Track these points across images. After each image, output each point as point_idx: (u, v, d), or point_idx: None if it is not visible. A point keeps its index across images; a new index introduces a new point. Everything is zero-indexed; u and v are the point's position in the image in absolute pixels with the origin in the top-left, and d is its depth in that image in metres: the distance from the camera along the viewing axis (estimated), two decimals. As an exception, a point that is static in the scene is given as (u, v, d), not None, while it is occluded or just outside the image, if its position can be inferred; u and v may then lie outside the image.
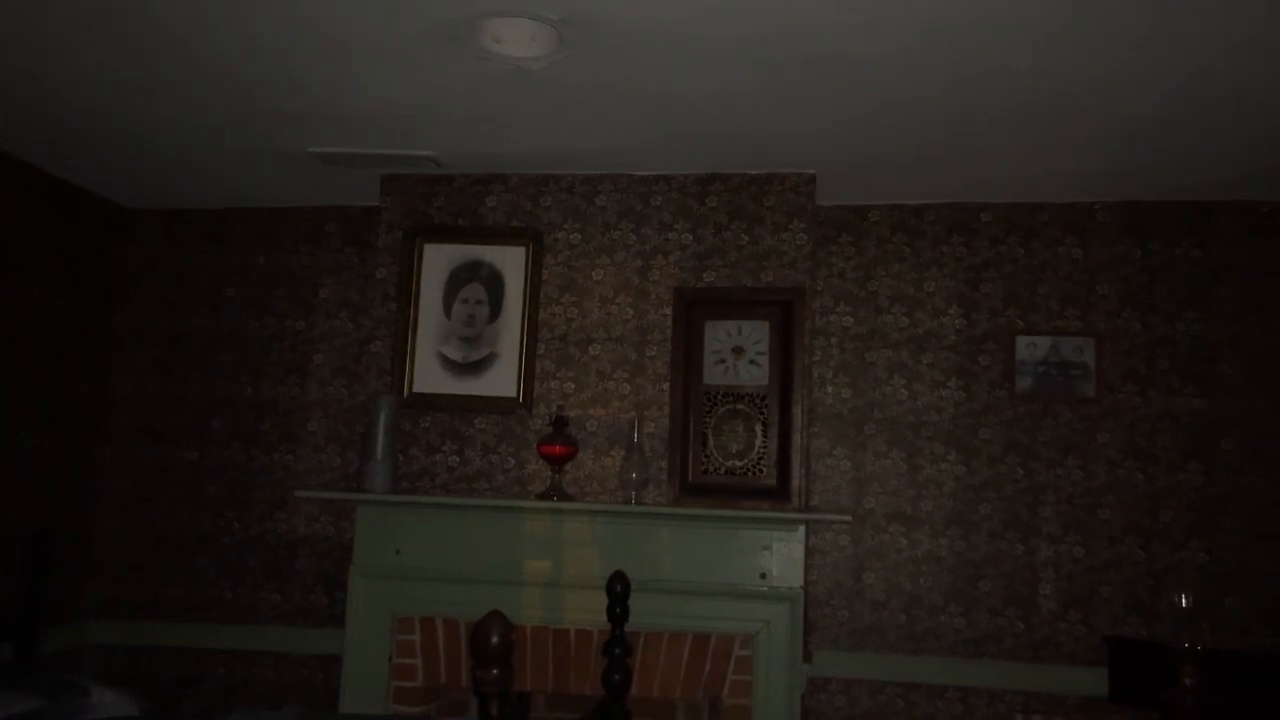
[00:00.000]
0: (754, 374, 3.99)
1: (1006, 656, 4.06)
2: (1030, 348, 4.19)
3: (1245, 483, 4.01)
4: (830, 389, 4.30)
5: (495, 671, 1.85)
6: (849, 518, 4.05)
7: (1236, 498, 4.01)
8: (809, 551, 3.96)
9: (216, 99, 3.53)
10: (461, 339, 4.12)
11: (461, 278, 4.15)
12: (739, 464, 3.94)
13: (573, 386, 4.08)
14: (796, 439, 3.90)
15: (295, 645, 4.44)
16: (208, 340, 4.72)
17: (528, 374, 4.06)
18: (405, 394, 4.07)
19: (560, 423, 3.87)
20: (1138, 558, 4.03)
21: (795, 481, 3.87)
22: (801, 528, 3.77)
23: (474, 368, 4.10)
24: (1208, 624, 3.88)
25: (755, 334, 4.01)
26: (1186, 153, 3.70)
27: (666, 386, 4.02)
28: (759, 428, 3.95)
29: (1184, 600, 3.59)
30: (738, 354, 4.02)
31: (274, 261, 4.72)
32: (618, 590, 3.08)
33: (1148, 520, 4.04)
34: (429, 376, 4.10)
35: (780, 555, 3.75)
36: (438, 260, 4.16)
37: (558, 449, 3.84)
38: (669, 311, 4.06)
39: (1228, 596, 3.95)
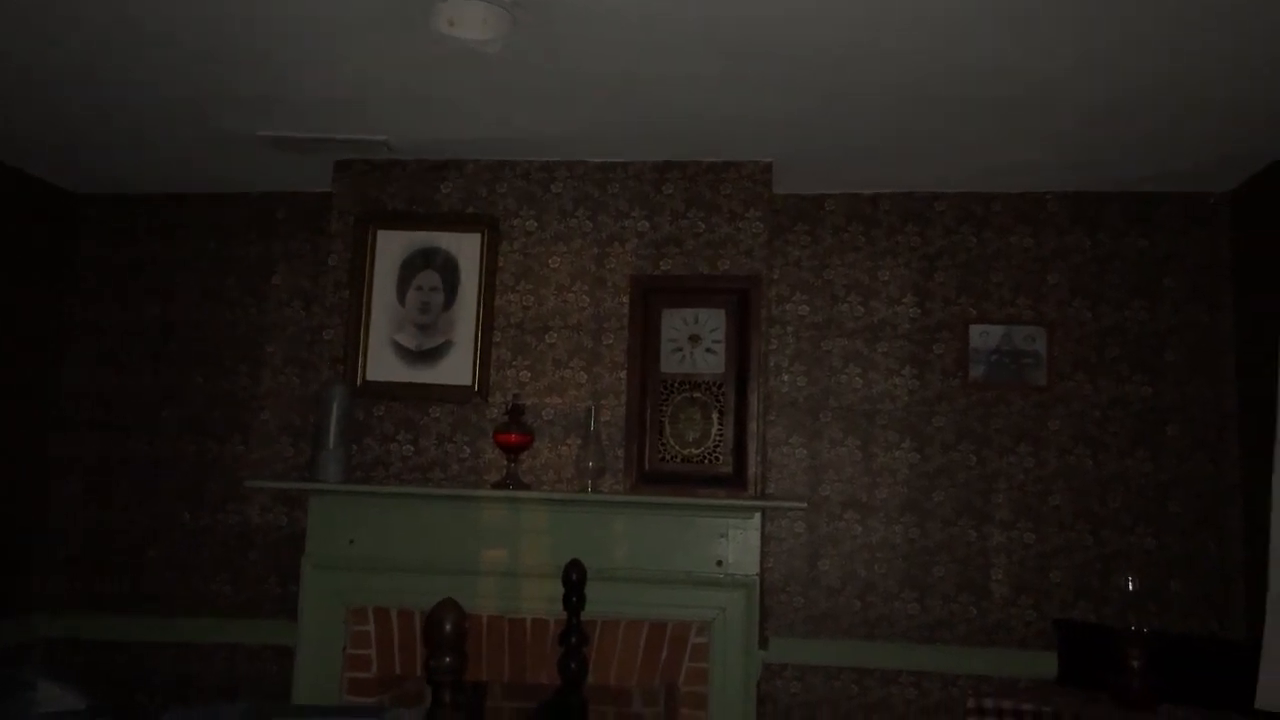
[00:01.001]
0: (711, 362, 3.99)
1: (959, 641, 4.11)
2: (983, 336, 4.23)
3: (1189, 469, 4.09)
4: (786, 377, 4.32)
5: (448, 659, 1.84)
6: (804, 505, 4.09)
7: (1181, 483, 4.08)
8: (765, 539, 3.98)
9: (166, 81, 3.45)
10: (416, 327, 4.08)
11: (416, 265, 4.11)
12: (695, 452, 3.95)
13: (529, 375, 4.06)
14: (753, 427, 3.91)
15: (248, 637, 4.38)
16: (158, 329, 4.63)
17: (483, 362, 4.03)
18: (359, 383, 4.03)
19: (516, 411, 3.85)
20: (1087, 543, 4.10)
21: (751, 469, 3.89)
22: (757, 515, 3.78)
23: (429, 356, 4.06)
24: (1154, 607, 3.96)
25: (712, 322, 4.01)
26: (1135, 145, 3.75)
27: (623, 375, 4.01)
28: (715, 416, 3.96)
29: (1131, 584, 3.66)
30: (694, 342, 4.02)
31: (225, 249, 4.64)
32: (574, 579, 3.08)
33: (1097, 506, 4.11)
34: (383, 365, 4.05)
35: (736, 543, 3.76)
36: (391, 247, 4.12)
37: (513, 438, 3.82)
38: (626, 299, 4.06)
39: (1172, 580, 4.03)
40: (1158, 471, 4.10)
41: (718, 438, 3.94)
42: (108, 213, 4.72)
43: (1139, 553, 4.06)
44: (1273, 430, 3.47)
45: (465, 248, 4.10)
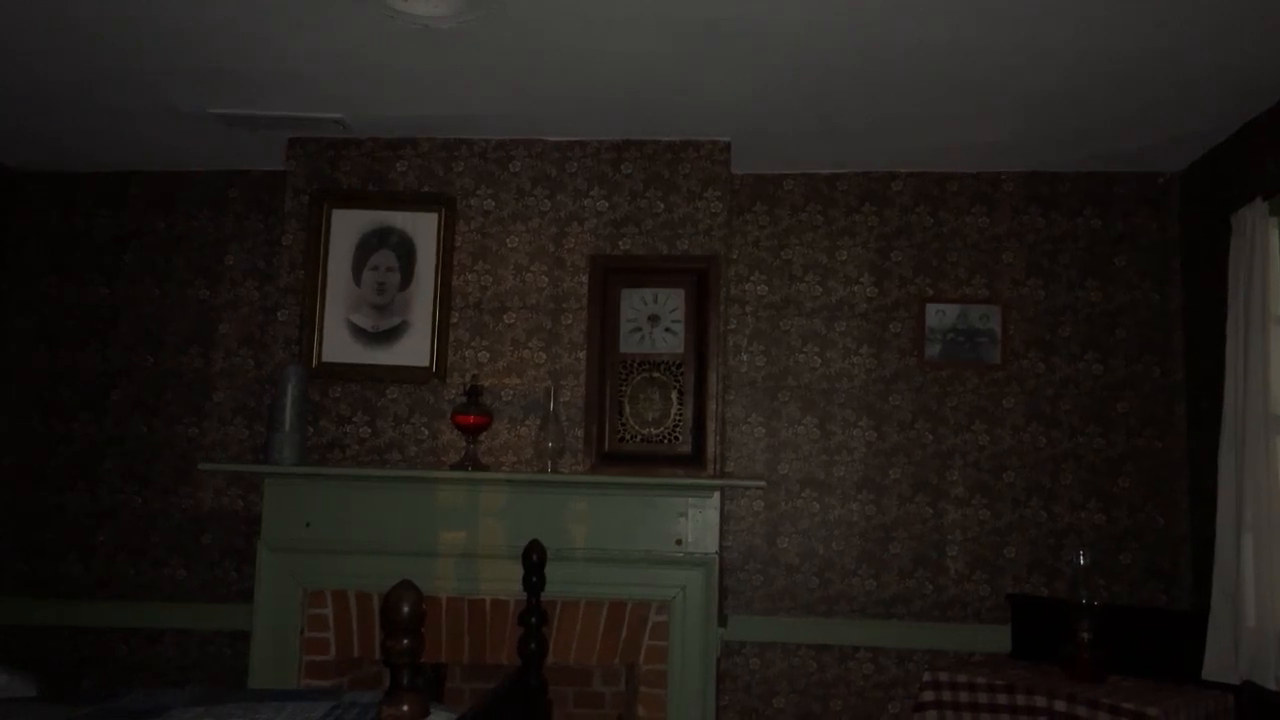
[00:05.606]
0: (670, 342, 3.99)
1: (915, 617, 4.17)
2: (939, 315, 4.27)
3: (1139, 445, 4.16)
4: (745, 357, 4.34)
5: (405, 642, 1.82)
6: (763, 483, 4.12)
7: (1131, 459, 4.16)
8: (724, 517, 4.00)
9: (112, 55, 3.36)
10: (372, 307, 4.04)
11: (371, 244, 4.06)
12: (655, 432, 3.95)
13: (487, 355, 4.03)
14: (712, 406, 3.92)
15: (202, 621, 4.32)
16: (104, 308, 4.53)
17: (441, 343, 3.99)
18: (314, 364, 3.98)
19: (474, 392, 3.83)
20: (1040, 519, 4.16)
21: (710, 448, 3.90)
22: (716, 494, 3.80)
23: (385, 337, 4.02)
24: (1104, 581, 4.04)
25: (671, 302, 4.01)
26: (1088, 125, 3.79)
27: (582, 355, 4.00)
28: (675, 395, 3.96)
29: (1082, 558, 3.72)
30: (653, 322, 4.01)
31: (175, 227, 4.55)
32: (534, 559, 3.07)
33: (1049, 482, 4.18)
34: (338, 346, 4.00)
35: (696, 521, 3.77)
36: (346, 226, 4.06)
37: (472, 419, 3.79)
38: (584, 279, 4.04)
39: (1122, 554, 4.11)
40: (1108, 448, 4.17)
41: (677, 417, 3.95)
42: (51, 189, 4.59)
43: (1090, 527, 4.14)
44: (1219, 406, 3.55)
45: (421, 227, 4.05)
